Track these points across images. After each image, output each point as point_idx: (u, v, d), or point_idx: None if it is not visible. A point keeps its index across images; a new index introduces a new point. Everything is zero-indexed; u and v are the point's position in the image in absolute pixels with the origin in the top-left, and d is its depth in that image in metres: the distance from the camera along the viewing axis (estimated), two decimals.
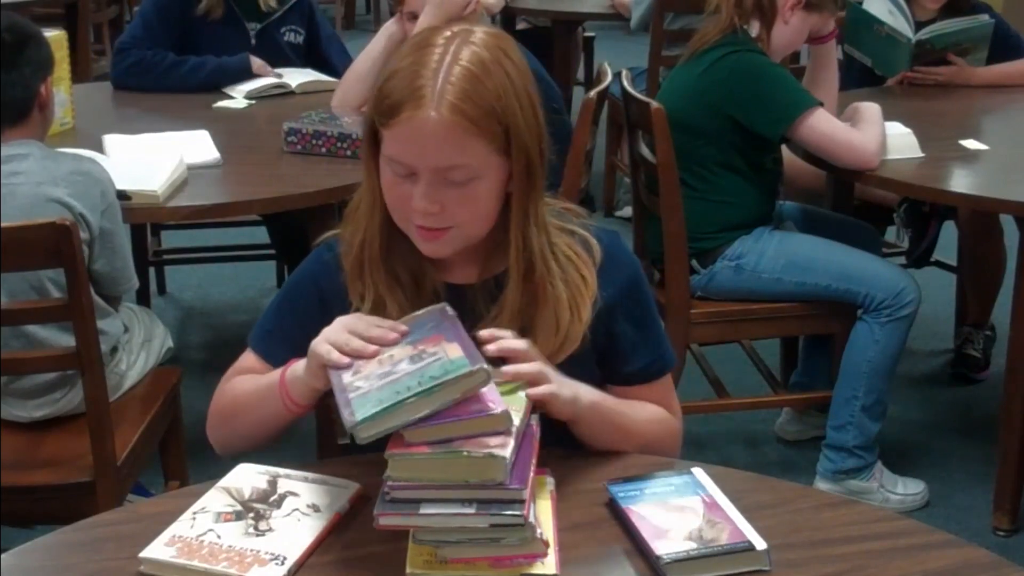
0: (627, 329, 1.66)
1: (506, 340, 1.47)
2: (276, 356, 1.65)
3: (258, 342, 1.70)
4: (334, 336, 1.48)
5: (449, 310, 1.49)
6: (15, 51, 2.31)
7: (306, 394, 1.54)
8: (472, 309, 1.59)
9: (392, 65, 1.53)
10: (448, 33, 1.52)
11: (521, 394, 1.43)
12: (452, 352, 1.38)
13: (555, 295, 1.57)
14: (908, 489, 3.03)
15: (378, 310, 1.56)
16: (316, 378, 1.50)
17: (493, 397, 1.36)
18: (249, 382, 1.65)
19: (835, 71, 3.20)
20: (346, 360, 1.45)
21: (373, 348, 1.45)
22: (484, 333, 1.48)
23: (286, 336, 1.65)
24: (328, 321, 1.57)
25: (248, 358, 1.70)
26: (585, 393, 1.56)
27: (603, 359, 1.65)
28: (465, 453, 1.31)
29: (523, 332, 1.55)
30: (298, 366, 1.55)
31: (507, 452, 1.31)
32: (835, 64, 3.22)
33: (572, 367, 1.57)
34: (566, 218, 1.65)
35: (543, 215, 1.57)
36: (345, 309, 1.59)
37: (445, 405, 1.34)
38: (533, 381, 1.46)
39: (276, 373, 1.59)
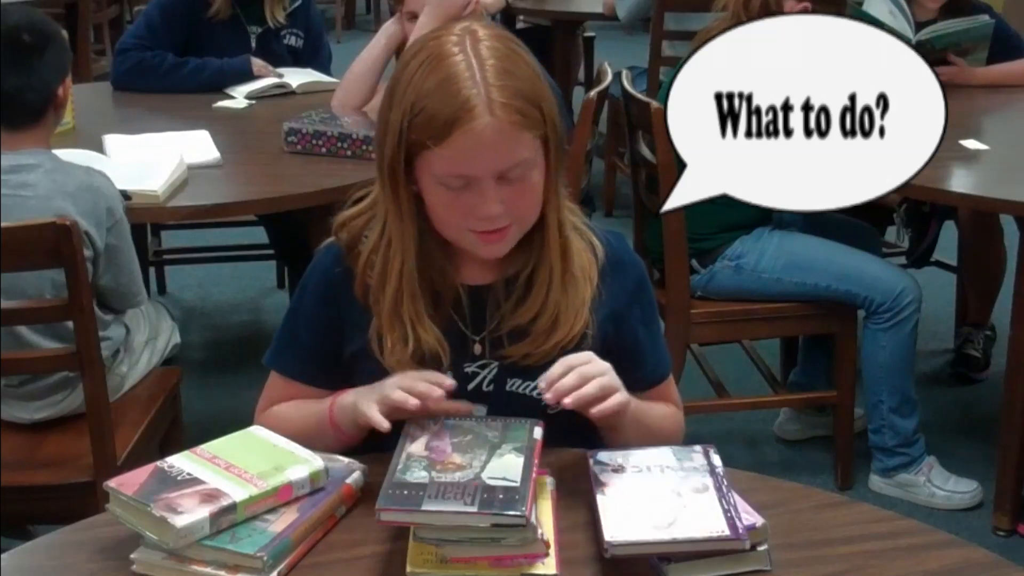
0: (639, 333, 1.67)
1: (561, 383, 1.48)
2: (297, 370, 1.66)
3: (277, 362, 1.70)
4: (386, 390, 1.50)
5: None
6: (36, 53, 2.27)
7: (355, 432, 1.57)
8: (493, 307, 1.60)
9: (416, 88, 1.49)
10: (454, 37, 1.51)
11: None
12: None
13: (575, 277, 1.59)
14: (957, 487, 3.04)
15: (417, 346, 1.56)
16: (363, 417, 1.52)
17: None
18: (294, 413, 1.66)
19: None
20: (386, 425, 1.47)
21: (414, 402, 1.46)
22: (549, 396, 1.49)
23: (303, 349, 1.65)
24: (341, 321, 1.60)
25: (275, 383, 1.70)
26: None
27: (615, 364, 1.62)
28: (150, 509, 1.34)
29: (555, 317, 1.57)
30: (345, 399, 1.57)
31: (184, 521, 1.32)
32: None
33: None
34: (571, 212, 1.65)
35: (563, 193, 1.60)
36: (357, 314, 1.60)
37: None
38: (601, 397, 1.49)
39: (324, 407, 1.60)
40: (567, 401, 1.47)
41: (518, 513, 1.31)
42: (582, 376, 1.49)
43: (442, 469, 1.38)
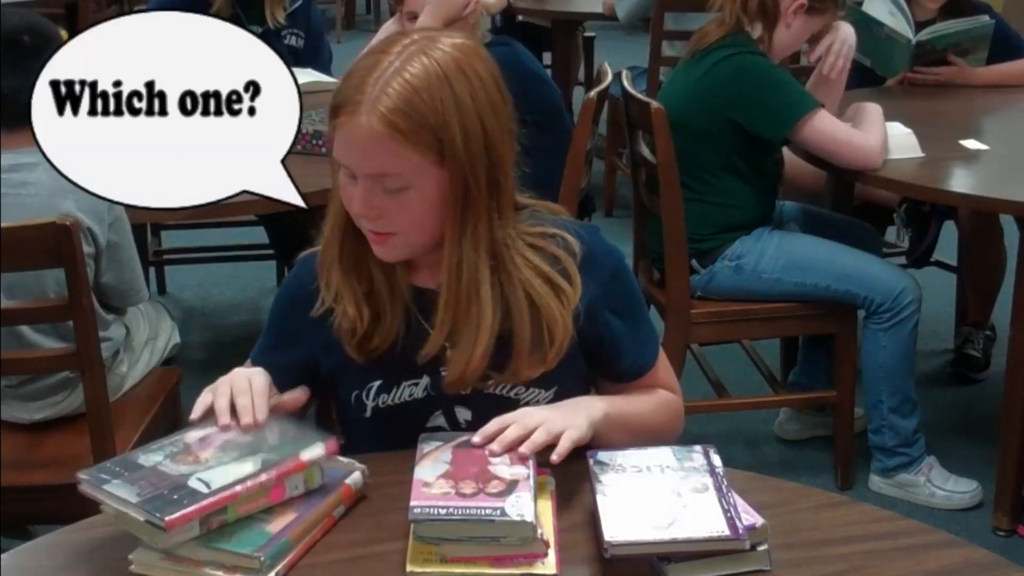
0: (616, 325, 1.63)
1: (504, 434, 1.46)
2: (272, 372, 1.65)
3: (257, 358, 1.69)
4: (219, 384, 1.50)
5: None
6: (35, 55, 2.28)
7: None
8: (436, 314, 1.56)
9: (353, 64, 1.53)
10: (407, 40, 1.51)
11: None
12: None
13: (479, 314, 1.53)
14: (957, 487, 3.05)
15: (338, 303, 1.57)
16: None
17: None
18: None
19: (840, 90, 3.20)
20: (196, 414, 1.47)
21: (224, 420, 1.45)
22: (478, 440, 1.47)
23: (277, 365, 1.63)
24: (314, 335, 1.60)
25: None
26: (595, 411, 1.55)
27: (594, 358, 1.63)
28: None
29: (442, 347, 1.55)
30: None
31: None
32: (842, 85, 3.21)
33: (558, 366, 1.57)
34: (541, 217, 1.61)
35: (486, 233, 1.53)
36: (323, 320, 1.59)
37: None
38: (553, 442, 1.46)
39: None
40: (522, 450, 1.44)
41: (160, 520, 1.29)
42: (524, 428, 1.46)
43: (180, 460, 1.39)
